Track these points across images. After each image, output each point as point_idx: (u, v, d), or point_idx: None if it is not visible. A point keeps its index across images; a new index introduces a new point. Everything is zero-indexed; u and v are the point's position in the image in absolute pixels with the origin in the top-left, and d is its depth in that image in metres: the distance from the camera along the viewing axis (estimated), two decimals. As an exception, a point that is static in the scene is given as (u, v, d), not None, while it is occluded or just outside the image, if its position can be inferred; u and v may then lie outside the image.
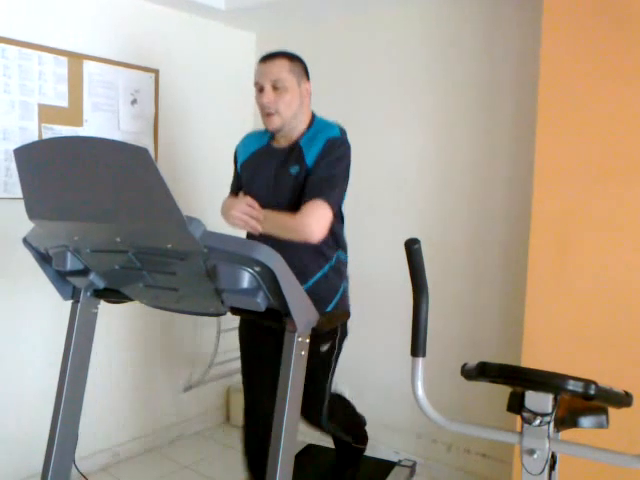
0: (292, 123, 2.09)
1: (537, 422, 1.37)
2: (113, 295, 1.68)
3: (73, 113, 2.77)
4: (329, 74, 3.29)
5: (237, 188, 2.28)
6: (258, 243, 1.34)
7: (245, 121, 3.55)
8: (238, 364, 3.48)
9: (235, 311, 1.53)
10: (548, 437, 1.36)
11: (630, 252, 2.09)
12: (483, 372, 1.41)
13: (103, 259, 1.50)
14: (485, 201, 2.80)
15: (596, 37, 2.12)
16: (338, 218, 2.13)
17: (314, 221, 1.93)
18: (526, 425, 1.39)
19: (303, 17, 3.32)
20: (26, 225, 1.55)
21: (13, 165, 2.52)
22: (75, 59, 2.75)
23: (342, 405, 2.52)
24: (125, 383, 3.12)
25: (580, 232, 2.18)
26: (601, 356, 2.12)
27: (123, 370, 3.11)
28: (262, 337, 2.19)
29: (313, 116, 2.18)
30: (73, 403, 1.70)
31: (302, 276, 2.01)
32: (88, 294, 1.70)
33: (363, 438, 2.62)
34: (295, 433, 1.47)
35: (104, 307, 1.79)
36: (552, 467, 1.42)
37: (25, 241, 1.61)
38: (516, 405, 1.42)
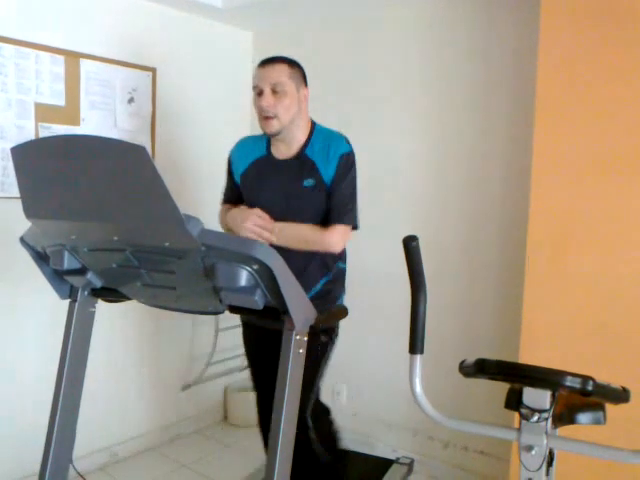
0: (290, 128, 2.10)
1: (535, 418, 1.37)
2: (111, 294, 1.68)
3: (70, 112, 2.76)
4: (325, 73, 3.29)
5: (234, 198, 2.27)
6: (256, 241, 1.35)
7: (242, 119, 3.56)
8: (236, 363, 3.51)
9: (233, 309, 1.53)
10: (546, 433, 1.37)
11: (627, 248, 2.10)
12: (481, 369, 1.42)
13: (101, 258, 1.50)
14: (482, 198, 2.81)
15: (593, 36, 2.12)
16: None
17: (337, 237, 2.08)
18: (524, 421, 1.40)
19: (300, 16, 3.33)
20: (23, 224, 1.54)
21: (10, 164, 2.52)
22: (72, 57, 2.75)
23: (327, 419, 2.47)
24: (123, 382, 3.12)
25: (577, 229, 2.18)
26: (598, 353, 2.13)
27: (121, 369, 3.10)
28: (265, 336, 2.20)
29: (313, 124, 2.19)
30: (71, 402, 1.70)
31: (304, 285, 2.05)
32: (85, 293, 1.70)
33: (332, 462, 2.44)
34: (293, 431, 1.47)
35: (101, 306, 1.78)
36: (550, 463, 1.42)
37: (22, 240, 1.61)
38: (514, 402, 1.43)
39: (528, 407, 1.39)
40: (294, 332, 1.44)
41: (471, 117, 2.82)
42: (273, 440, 1.41)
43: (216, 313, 1.56)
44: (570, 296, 2.20)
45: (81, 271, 1.56)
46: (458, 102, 2.86)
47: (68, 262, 1.51)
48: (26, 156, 1.37)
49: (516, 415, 1.45)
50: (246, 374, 3.58)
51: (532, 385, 1.38)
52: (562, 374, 1.30)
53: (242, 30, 3.61)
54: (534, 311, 2.28)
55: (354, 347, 3.16)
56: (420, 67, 2.98)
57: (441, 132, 2.93)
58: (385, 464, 2.75)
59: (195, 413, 3.50)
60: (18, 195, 1.42)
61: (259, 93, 2.08)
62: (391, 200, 3.10)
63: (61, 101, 2.73)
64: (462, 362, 1.50)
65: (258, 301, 1.38)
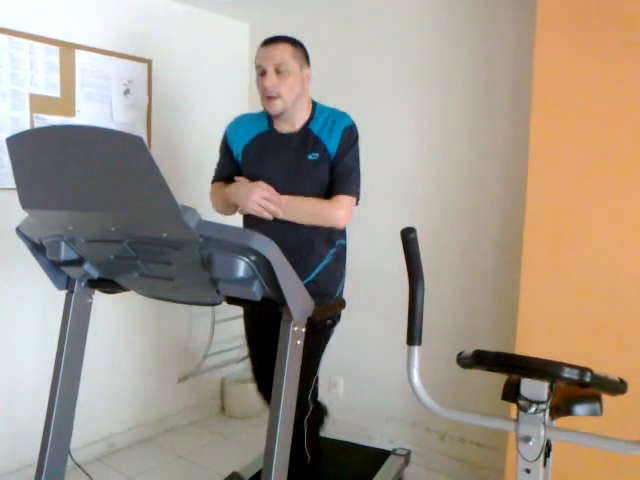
0: (293, 107, 2.10)
1: (533, 410, 1.37)
2: (108, 285, 1.67)
3: (65, 103, 2.75)
4: (323, 66, 3.27)
5: (227, 175, 2.23)
6: (254, 232, 1.34)
7: (238, 111, 3.53)
8: (233, 354, 3.52)
9: (231, 301, 1.53)
10: (544, 424, 1.37)
11: (622, 243, 2.10)
12: (479, 360, 1.42)
13: (98, 249, 1.49)
14: (480, 196, 2.81)
15: (590, 36, 2.13)
16: None
17: (343, 210, 2.07)
18: (522, 413, 1.40)
19: (297, 8, 3.31)
20: (19, 215, 1.54)
21: (5, 155, 2.50)
22: (67, 48, 2.73)
23: (320, 415, 2.46)
24: (120, 373, 3.12)
25: (573, 224, 2.19)
26: (594, 345, 2.14)
27: (118, 360, 3.10)
28: (266, 322, 2.20)
29: (314, 103, 2.19)
30: (68, 393, 1.70)
31: (313, 259, 2.11)
32: (82, 284, 1.70)
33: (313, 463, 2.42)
34: (291, 423, 1.47)
35: (98, 297, 1.78)
36: (547, 454, 1.43)
37: (18, 231, 1.60)
38: (512, 393, 1.43)
39: (526, 398, 1.39)
40: (292, 323, 1.44)
41: (470, 117, 2.82)
42: (271, 430, 1.42)
43: (213, 304, 1.55)
44: (566, 289, 2.21)
45: (78, 262, 1.56)
46: (457, 102, 2.86)
47: (65, 253, 1.51)
48: (22, 147, 1.36)
49: (513, 406, 1.45)
50: (243, 365, 3.59)
51: (530, 376, 1.38)
52: (560, 365, 1.30)
53: (239, 21, 3.59)
54: (530, 303, 2.29)
55: (351, 340, 3.16)
56: (420, 64, 2.97)
57: (440, 131, 2.92)
58: (382, 455, 2.76)
59: (192, 404, 3.51)
60: (14, 186, 1.42)
61: (262, 73, 2.06)
62: (390, 197, 3.09)
63: (56, 92, 2.71)
64: (460, 353, 1.50)
65: (256, 292, 1.38)
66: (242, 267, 1.34)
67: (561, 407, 1.46)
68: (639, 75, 2.05)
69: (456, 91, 2.86)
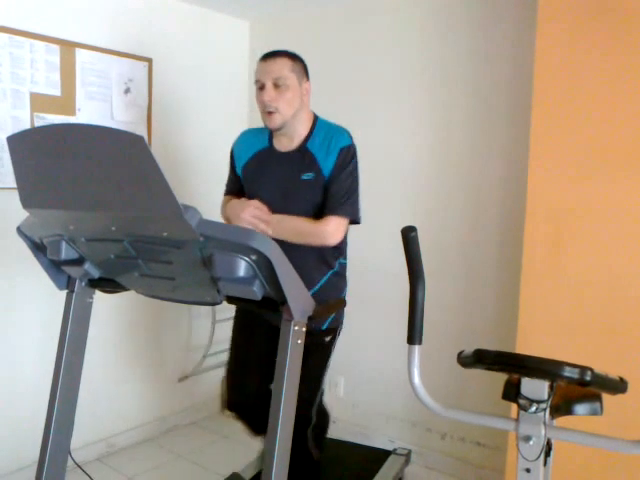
0: (292, 122, 2.09)
1: (533, 409, 1.37)
2: (108, 284, 1.67)
3: (66, 102, 2.74)
4: (324, 64, 3.27)
5: (236, 189, 2.26)
6: (254, 231, 1.34)
7: (239, 109, 3.54)
8: (233, 354, 3.50)
9: (231, 300, 1.53)
10: (544, 424, 1.37)
11: (622, 243, 2.10)
12: (480, 359, 1.41)
13: (98, 248, 1.49)
14: (480, 189, 2.81)
15: (591, 35, 2.13)
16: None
17: (333, 230, 2.05)
18: (522, 412, 1.40)
19: (297, 6, 3.30)
20: (20, 215, 1.54)
21: (6, 155, 2.50)
22: (67, 47, 2.72)
23: (323, 406, 2.46)
24: (120, 373, 3.12)
25: (574, 223, 2.19)
26: (594, 344, 2.14)
27: (118, 360, 3.10)
28: (258, 326, 2.21)
29: (315, 117, 2.18)
30: (69, 393, 1.70)
31: (308, 279, 2.05)
32: (83, 284, 1.69)
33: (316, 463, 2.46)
34: (291, 423, 1.47)
35: (99, 297, 1.78)
36: (547, 454, 1.43)
37: (19, 230, 1.60)
38: (512, 393, 1.43)
39: (526, 398, 1.39)
40: (292, 323, 1.44)
41: (470, 116, 2.82)
42: (271, 431, 1.41)
43: (214, 304, 1.55)
44: (566, 288, 2.21)
45: (78, 261, 1.55)
46: (458, 101, 2.86)
47: (65, 252, 1.51)
48: (22, 146, 1.36)
49: (513, 406, 1.45)
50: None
51: (530, 375, 1.38)
52: (561, 364, 1.30)
53: (239, 19, 3.59)
54: (530, 303, 2.29)
55: (352, 339, 3.16)
56: (420, 64, 2.97)
57: (440, 131, 2.92)
58: (382, 455, 2.76)
59: (192, 404, 3.51)
60: (14, 185, 1.41)
61: (261, 87, 2.07)
62: (390, 196, 3.09)
63: (57, 91, 2.71)
64: (460, 352, 1.50)
65: (256, 292, 1.38)
66: (243, 266, 1.34)
67: (561, 406, 1.45)
68: (640, 74, 2.05)
69: (456, 90, 2.86)
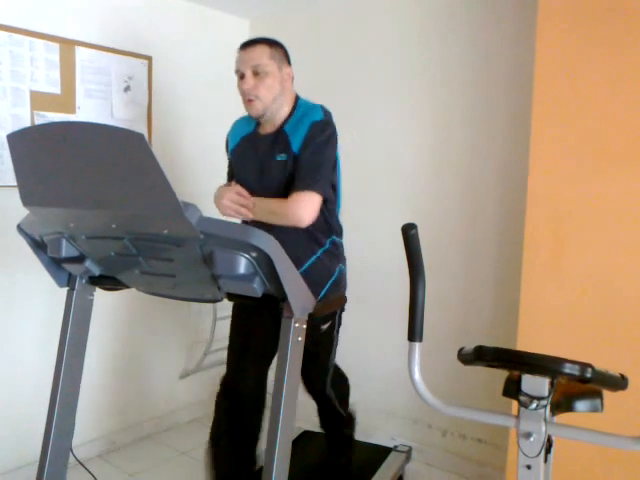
0: (273, 108, 2.09)
1: (534, 405, 1.37)
2: (109, 282, 1.67)
3: (66, 100, 2.74)
4: (324, 61, 3.27)
5: (231, 176, 2.30)
6: (254, 228, 1.34)
7: (239, 107, 3.53)
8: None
9: (232, 297, 1.53)
10: (545, 420, 1.37)
11: (623, 241, 2.10)
12: (480, 356, 1.41)
13: (99, 246, 1.49)
14: (480, 188, 2.81)
15: (591, 34, 2.12)
16: (332, 201, 2.14)
17: (302, 207, 1.97)
18: (522, 409, 1.40)
19: (297, 5, 3.30)
20: (20, 213, 1.54)
21: (6, 152, 2.50)
22: (67, 45, 2.72)
23: (339, 374, 2.55)
24: (121, 371, 3.12)
25: (574, 222, 2.19)
26: (594, 341, 2.14)
27: (119, 358, 3.11)
28: (256, 312, 2.21)
29: (297, 99, 2.17)
30: (70, 390, 1.70)
31: (295, 262, 2.04)
32: (83, 281, 1.70)
33: (350, 417, 2.63)
34: (292, 419, 1.47)
35: (100, 294, 1.78)
36: (548, 450, 1.43)
37: (19, 228, 1.60)
38: (512, 389, 1.43)
39: (527, 394, 1.39)
40: (293, 320, 1.44)
41: (471, 115, 2.82)
42: (273, 426, 1.42)
43: (214, 301, 1.56)
44: (566, 289, 2.21)
45: (79, 259, 1.55)
46: (458, 100, 2.85)
47: (66, 250, 1.51)
48: (23, 143, 1.36)
49: (514, 403, 1.45)
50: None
51: (531, 372, 1.38)
52: (561, 361, 1.30)
53: (239, 18, 3.58)
54: (531, 300, 2.29)
55: (353, 336, 3.16)
56: (420, 63, 2.96)
57: (440, 130, 2.92)
58: (383, 452, 2.76)
59: (194, 401, 3.51)
60: (14, 184, 1.42)
61: (241, 76, 2.09)
62: (390, 196, 3.09)
63: (57, 89, 2.71)
64: (461, 349, 1.50)
65: (257, 289, 1.38)
66: (243, 263, 1.34)
67: (562, 403, 1.45)
68: (641, 71, 2.04)
69: (456, 90, 2.85)
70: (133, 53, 3.01)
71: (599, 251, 2.14)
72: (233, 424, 2.21)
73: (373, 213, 3.13)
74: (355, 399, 3.27)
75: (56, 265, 1.66)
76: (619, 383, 1.41)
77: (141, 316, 3.19)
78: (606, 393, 1.46)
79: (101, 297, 1.83)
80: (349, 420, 2.61)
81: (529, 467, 1.39)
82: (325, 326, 2.18)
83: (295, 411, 1.47)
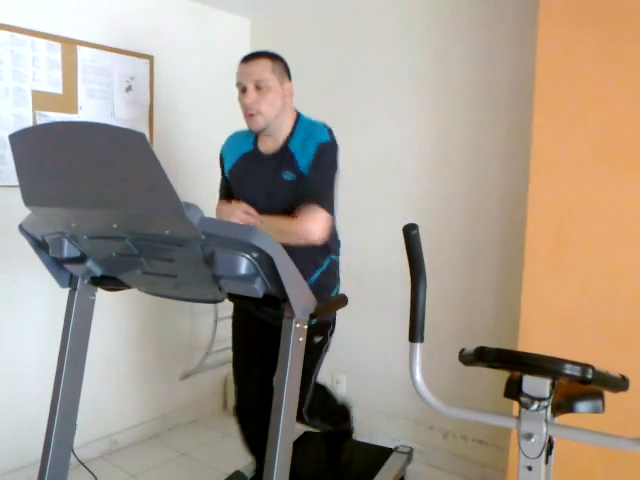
0: (275, 123, 2.08)
1: (535, 407, 1.37)
2: (110, 282, 1.68)
3: (67, 100, 2.75)
4: (325, 61, 3.27)
5: (228, 193, 2.26)
6: (256, 229, 1.34)
7: (240, 108, 3.53)
8: (235, 352, 3.50)
9: (233, 297, 1.53)
10: (546, 421, 1.37)
11: (624, 242, 2.10)
12: (481, 357, 1.41)
13: (100, 246, 1.49)
14: (482, 189, 2.81)
15: (592, 34, 2.12)
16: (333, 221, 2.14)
17: (313, 223, 1.98)
18: (524, 410, 1.40)
19: (298, 4, 3.30)
20: (22, 213, 1.54)
21: (7, 152, 2.50)
22: (69, 45, 2.73)
23: (320, 399, 2.46)
24: (123, 371, 3.12)
25: (576, 222, 2.19)
26: (596, 342, 2.13)
27: (120, 358, 3.11)
28: (256, 329, 2.22)
29: (298, 115, 2.16)
30: (71, 391, 1.70)
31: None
32: (85, 281, 1.70)
33: (348, 425, 2.61)
34: (293, 419, 1.48)
35: (101, 294, 1.78)
36: (549, 451, 1.43)
37: (21, 228, 1.60)
38: (514, 390, 1.42)
39: (528, 395, 1.38)
40: (294, 320, 1.44)
41: (472, 116, 2.82)
42: (274, 428, 1.42)
43: (216, 301, 1.56)
44: (568, 286, 2.20)
45: (81, 259, 1.56)
46: (459, 101, 2.85)
47: (68, 250, 1.51)
48: (25, 143, 1.36)
49: (515, 404, 1.45)
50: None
51: (532, 373, 1.37)
52: (562, 362, 1.30)
53: (240, 17, 3.58)
54: (532, 301, 2.29)
55: (354, 337, 3.17)
56: (421, 63, 2.96)
57: (442, 130, 2.92)
58: (385, 453, 2.76)
59: (194, 402, 3.51)
60: (16, 184, 1.42)
61: (242, 90, 2.07)
62: (392, 196, 3.09)
63: (58, 89, 2.71)
64: (462, 350, 1.50)
65: (258, 289, 1.38)
66: (244, 264, 1.35)
67: (563, 404, 1.45)
68: (642, 72, 2.04)
69: (458, 89, 2.85)
70: (135, 53, 3.01)
71: (601, 251, 2.14)
72: (248, 436, 2.43)
73: (374, 213, 3.12)
74: (356, 400, 3.27)
75: (58, 265, 1.66)
76: (620, 384, 1.41)
77: (142, 316, 3.19)
78: (607, 394, 1.45)
79: (103, 297, 1.83)
80: (344, 415, 2.58)
81: (530, 468, 1.39)
82: (318, 339, 2.17)
83: (295, 412, 1.47)
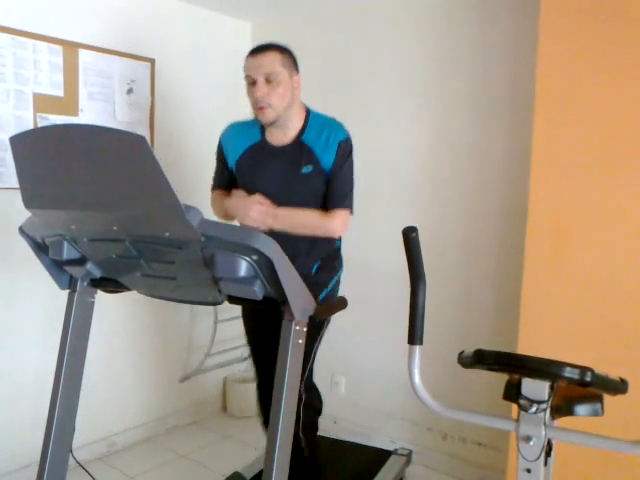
0: (285, 115, 2.09)
1: (534, 409, 1.37)
2: (110, 284, 1.68)
3: (68, 102, 2.75)
4: (324, 63, 3.28)
5: (225, 183, 2.26)
6: (256, 231, 1.35)
7: (241, 111, 3.53)
8: (235, 354, 3.52)
9: (232, 300, 1.54)
10: (544, 424, 1.37)
11: (624, 243, 2.10)
12: (480, 359, 1.42)
13: (100, 248, 1.50)
14: (481, 190, 2.81)
15: (593, 32, 2.12)
16: None
17: (339, 223, 2.11)
18: (522, 412, 1.40)
19: (298, 7, 3.31)
20: (22, 215, 1.54)
21: (8, 155, 2.51)
22: (70, 48, 2.73)
23: (317, 404, 2.44)
24: (122, 373, 3.12)
25: (576, 222, 2.19)
26: (596, 344, 2.13)
27: (120, 359, 3.11)
28: (264, 319, 2.22)
29: (307, 110, 2.18)
30: (70, 392, 1.70)
31: (304, 266, 2.06)
32: (85, 283, 1.70)
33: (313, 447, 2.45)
34: (292, 422, 1.48)
35: (101, 297, 1.79)
36: (548, 454, 1.43)
37: (21, 230, 1.61)
38: (513, 393, 1.43)
39: (526, 398, 1.39)
40: (293, 322, 1.44)
41: (472, 116, 2.82)
42: (272, 429, 1.42)
43: (215, 303, 1.56)
44: (568, 288, 2.21)
45: (80, 261, 1.56)
46: (459, 101, 2.85)
47: (67, 252, 1.51)
48: (25, 146, 1.36)
49: (514, 407, 1.45)
50: (245, 365, 3.60)
51: (531, 376, 1.38)
52: (561, 365, 1.31)
53: (241, 21, 3.59)
54: (532, 303, 2.29)
55: (353, 338, 3.17)
56: (421, 63, 2.97)
57: (441, 131, 2.92)
58: (383, 455, 2.76)
59: (194, 404, 3.51)
60: (17, 186, 1.42)
61: (252, 83, 2.07)
62: (390, 194, 3.10)
63: (59, 92, 2.72)
64: (461, 353, 1.51)
65: (257, 291, 1.39)
66: (244, 266, 1.35)
67: (562, 407, 1.46)
68: (641, 74, 2.05)
69: (458, 90, 2.85)
70: (136, 56, 3.02)
71: (600, 252, 2.14)
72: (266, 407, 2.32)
73: (374, 214, 3.13)
74: (355, 401, 3.28)
75: (58, 267, 1.67)
76: (619, 387, 1.41)
77: (142, 319, 3.19)
78: (606, 397, 1.46)
79: (103, 299, 1.83)
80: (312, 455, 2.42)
81: (529, 471, 1.39)
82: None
83: (295, 414, 1.47)
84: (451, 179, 2.90)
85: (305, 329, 1.48)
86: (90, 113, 2.84)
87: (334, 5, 3.22)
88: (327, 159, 2.08)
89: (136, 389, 3.21)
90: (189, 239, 1.31)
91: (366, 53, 3.16)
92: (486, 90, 2.77)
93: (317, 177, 2.09)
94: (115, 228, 1.36)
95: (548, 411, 1.38)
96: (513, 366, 1.40)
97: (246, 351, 3.42)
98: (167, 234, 1.31)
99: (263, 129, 2.18)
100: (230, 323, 3.19)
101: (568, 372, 1.30)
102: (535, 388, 1.38)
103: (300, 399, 2.22)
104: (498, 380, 1.55)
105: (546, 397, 1.37)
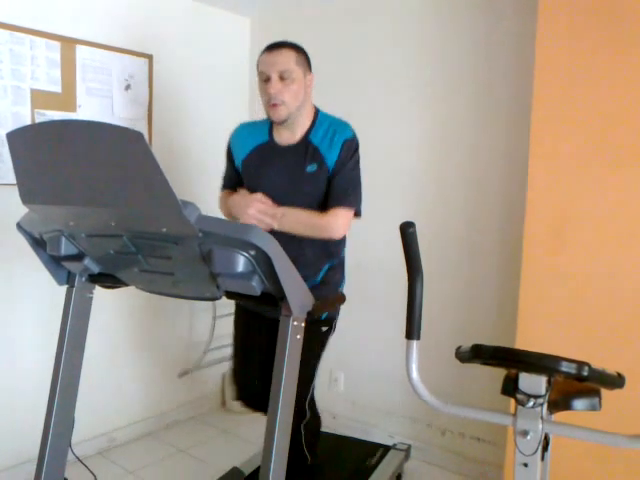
0: (296, 114, 2.08)
1: (531, 404, 1.38)
2: (108, 280, 1.68)
3: (66, 98, 2.75)
4: (324, 60, 3.26)
5: (234, 183, 2.25)
6: (253, 226, 1.35)
7: (240, 106, 3.54)
8: (234, 349, 3.51)
9: (230, 295, 1.54)
10: (542, 418, 1.38)
11: (622, 241, 2.11)
12: (477, 354, 1.42)
13: (98, 244, 1.50)
14: (481, 189, 2.81)
15: (592, 30, 2.12)
16: None
17: (339, 222, 2.06)
18: (520, 407, 1.41)
19: (297, 2, 3.30)
20: (20, 211, 1.54)
21: (5, 151, 2.51)
22: (68, 44, 2.73)
23: (318, 422, 2.44)
24: (121, 368, 3.13)
25: (574, 220, 2.19)
26: (593, 339, 2.14)
27: (119, 355, 3.11)
28: (256, 325, 2.23)
29: (316, 110, 2.18)
30: (69, 388, 1.71)
31: (309, 273, 2.07)
32: (83, 279, 1.70)
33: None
34: (290, 418, 1.48)
35: (99, 292, 1.79)
36: (545, 448, 1.43)
37: (19, 226, 1.61)
38: (510, 388, 1.43)
39: (524, 393, 1.39)
40: (291, 318, 1.44)
41: (471, 115, 2.81)
42: (270, 426, 1.42)
43: (213, 299, 1.56)
44: (565, 288, 2.21)
45: (78, 257, 1.56)
46: (458, 100, 2.85)
47: (65, 248, 1.51)
48: (22, 141, 1.36)
49: (512, 401, 1.46)
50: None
51: (528, 370, 1.38)
52: (558, 359, 1.31)
53: (240, 16, 3.58)
54: (530, 298, 2.29)
55: (352, 334, 3.17)
56: (421, 61, 2.96)
57: (441, 129, 2.91)
58: (382, 450, 2.76)
59: (193, 399, 3.52)
60: (14, 182, 1.42)
61: (266, 79, 2.05)
62: (390, 194, 3.09)
63: (57, 87, 2.71)
64: (458, 347, 1.51)
65: (255, 287, 1.39)
66: (242, 262, 1.35)
67: (560, 402, 1.46)
68: (640, 71, 2.05)
69: (457, 89, 2.85)
70: (134, 51, 3.01)
71: (598, 249, 2.15)
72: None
73: (373, 212, 3.11)
74: (354, 397, 3.29)
75: (55, 263, 1.67)
76: (616, 382, 1.42)
77: (140, 314, 3.20)
78: (604, 391, 1.46)
79: (101, 294, 1.83)
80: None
81: (526, 465, 1.40)
82: (325, 328, 2.19)
83: (293, 410, 1.47)
84: (451, 177, 2.89)
85: (303, 325, 1.49)
86: (88, 109, 2.83)
87: (334, 1, 3.21)
88: (331, 157, 2.07)
89: (135, 384, 3.22)
90: (187, 235, 1.31)
91: (366, 51, 3.15)
92: (489, 90, 2.76)
93: (321, 176, 2.07)
94: (113, 224, 1.36)
95: (545, 405, 1.39)
96: (510, 361, 1.41)
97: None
98: (165, 230, 1.31)
99: (271, 129, 2.17)
100: (229, 319, 3.17)
101: (565, 366, 1.31)
102: (532, 383, 1.39)
103: (303, 417, 2.24)
104: (496, 375, 1.55)
105: (543, 392, 1.38)
